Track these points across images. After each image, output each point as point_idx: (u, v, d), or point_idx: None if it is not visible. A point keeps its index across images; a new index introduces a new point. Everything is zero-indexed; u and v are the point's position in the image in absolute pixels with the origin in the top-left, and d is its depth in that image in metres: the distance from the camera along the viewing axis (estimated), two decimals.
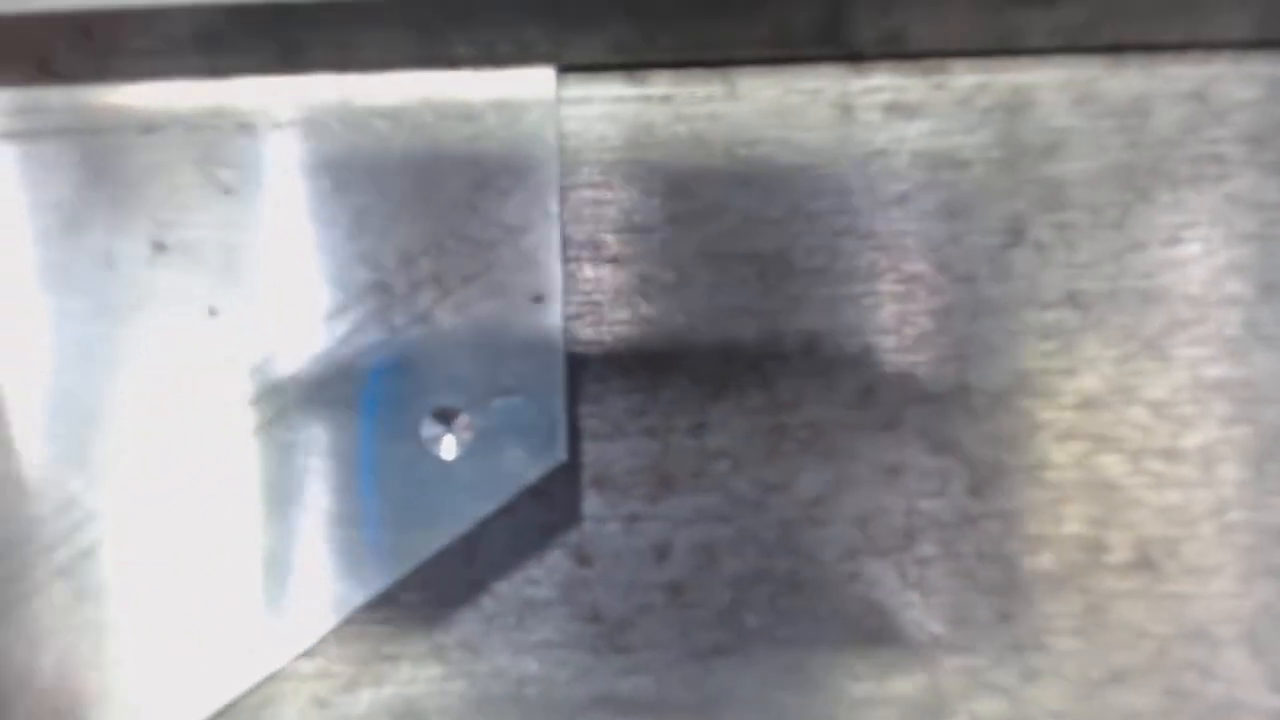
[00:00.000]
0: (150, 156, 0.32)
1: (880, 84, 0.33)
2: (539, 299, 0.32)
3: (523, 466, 0.31)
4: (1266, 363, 0.32)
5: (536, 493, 0.31)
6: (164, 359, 0.32)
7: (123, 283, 0.32)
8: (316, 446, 0.31)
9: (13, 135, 0.32)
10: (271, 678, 0.31)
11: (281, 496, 0.31)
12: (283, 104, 0.32)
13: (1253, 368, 0.32)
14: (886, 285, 0.33)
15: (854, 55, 0.33)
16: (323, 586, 0.31)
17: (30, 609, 0.32)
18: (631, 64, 0.33)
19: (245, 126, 0.32)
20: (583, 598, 0.32)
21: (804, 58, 0.33)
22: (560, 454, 0.31)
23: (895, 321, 0.33)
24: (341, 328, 0.32)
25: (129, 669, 0.32)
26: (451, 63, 0.32)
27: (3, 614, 0.31)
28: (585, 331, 0.32)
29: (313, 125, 0.32)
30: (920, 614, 0.32)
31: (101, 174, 0.32)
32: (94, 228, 0.32)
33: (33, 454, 0.32)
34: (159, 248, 0.32)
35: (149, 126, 0.32)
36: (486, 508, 0.31)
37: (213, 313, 0.31)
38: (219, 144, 0.32)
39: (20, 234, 0.32)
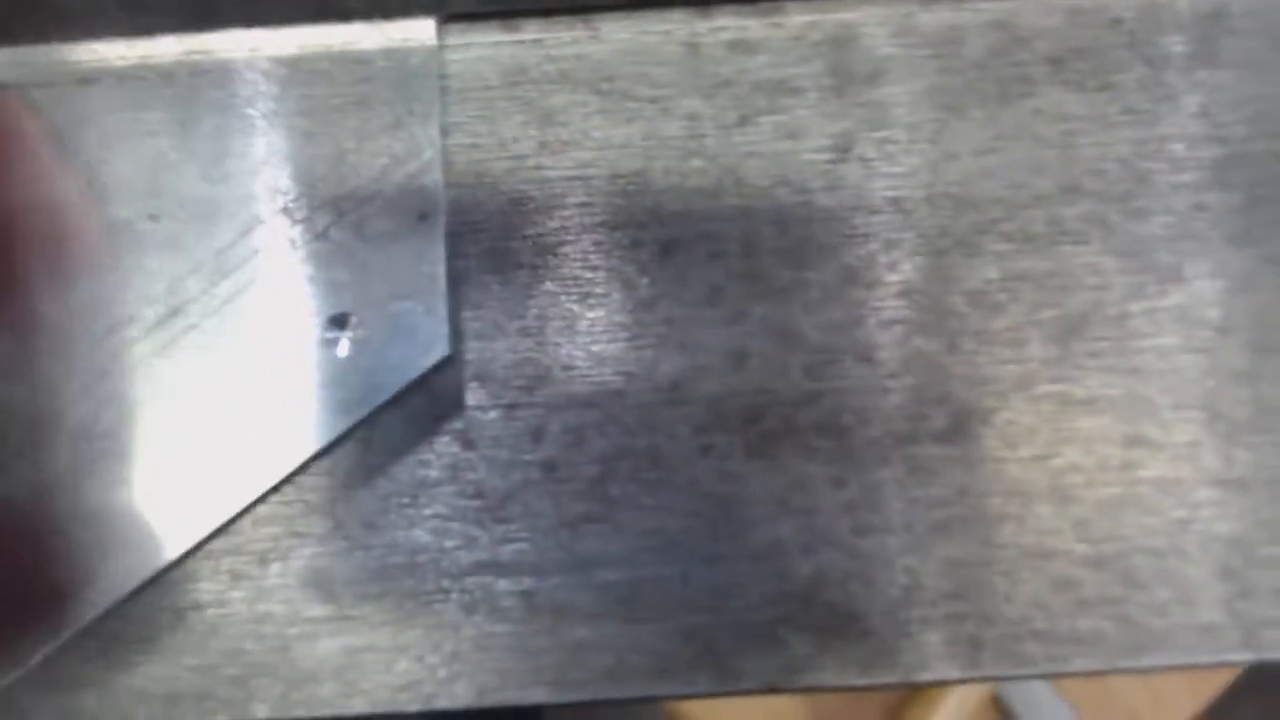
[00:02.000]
0: (87, 106, 0.37)
1: (724, 24, 0.38)
2: (424, 217, 0.36)
3: (411, 362, 0.36)
4: (1068, 255, 0.37)
5: (425, 386, 0.36)
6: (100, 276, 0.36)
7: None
8: (232, 349, 0.36)
9: None
10: (189, 555, 0.35)
11: (203, 386, 0.36)
12: (199, 56, 0.37)
13: (1056, 260, 0.37)
14: (731, 199, 0.37)
15: (700, 0, 0.37)
16: (238, 468, 0.36)
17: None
18: (506, 13, 0.38)
19: (167, 76, 0.37)
20: (468, 477, 0.37)
21: (656, 3, 0.37)
22: (444, 349, 0.36)
23: (740, 229, 0.37)
24: (251, 245, 0.36)
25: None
26: (344, 15, 0.37)
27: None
28: (467, 246, 0.37)
29: (226, 74, 0.37)
30: (765, 480, 0.36)
31: (43, 122, 0.37)
32: None
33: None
34: (91, 184, 0.36)
35: (85, 79, 0.37)
36: (379, 397, 0.36)
37: (152, 218, 0.36)
38: (147, 94, 0.37)
39: None
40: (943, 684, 0.35)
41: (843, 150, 0.37)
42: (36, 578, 0.35)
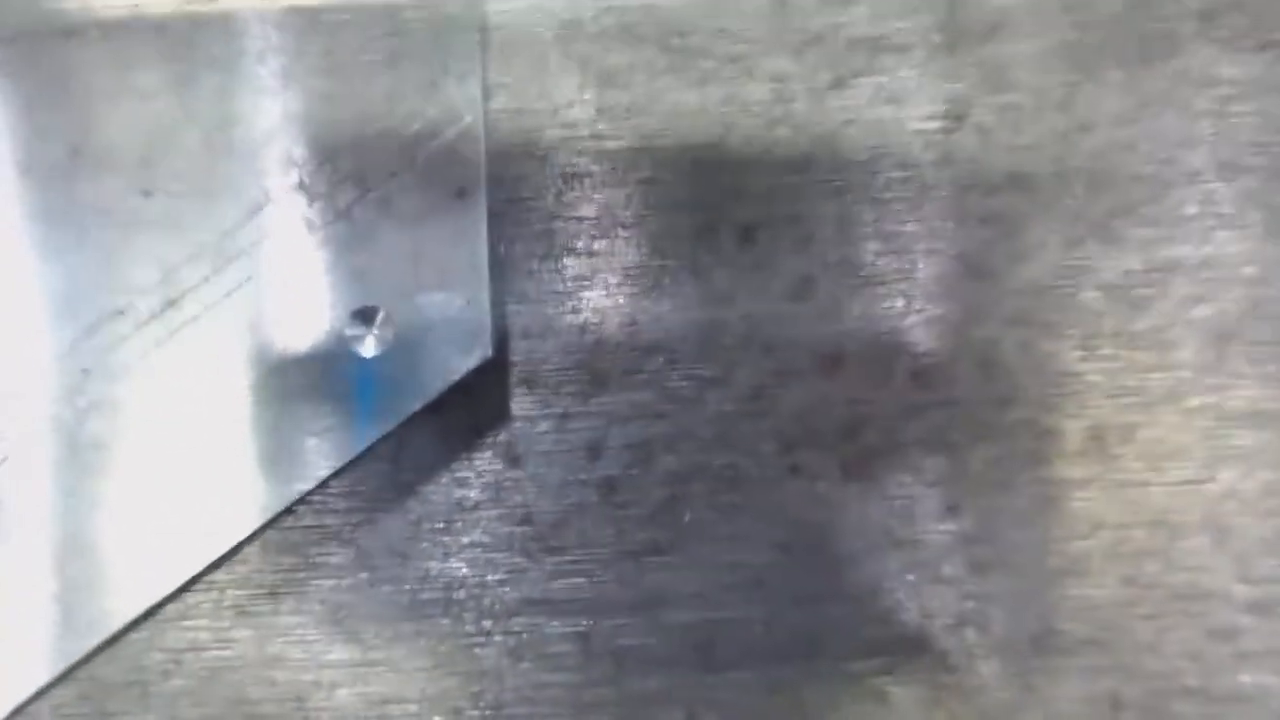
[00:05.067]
0: (69, 60, 0.31)
1: None
2: (462, 194, 0.31)
3: (448, 364, 0.30)
4: (1224, 242, 0.31)
5: (463, 392, 0.30)
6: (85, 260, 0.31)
7: (40, 190, 0.31)
8: (237, 348, 0.30)
9: None
10: (188, 587, 0.30)
11: (203, 391, 0.31)
12: (200, 4, 0.31)
13: (1211, 247, 0.31)
14: (823, 175, 0.31)
15: None
16: (244, 489, 0.30)
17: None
18: None
19: (162, 28, 0.31)
20: (513, 499, 0.31)
21: None
22: (486, 349, 0.30)
23: (834, 210, 0.31)
24: (260, 226, 0.31)
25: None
26: None
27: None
28: (512, 229, 0.31)
29: (232, 25, 0.31)
30: (864, 507, 0.31)
31: (18, 80, 0.31)
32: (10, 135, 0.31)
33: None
34: (76, 153, 0.31)
35: (67, 31, 0.32)
36: (411, 405, 0.30)
37: (145, 193, 0.30)
38: (139, 48, 0.31)
39: None
40: None
41: (956, 118, 0.31)
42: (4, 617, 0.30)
